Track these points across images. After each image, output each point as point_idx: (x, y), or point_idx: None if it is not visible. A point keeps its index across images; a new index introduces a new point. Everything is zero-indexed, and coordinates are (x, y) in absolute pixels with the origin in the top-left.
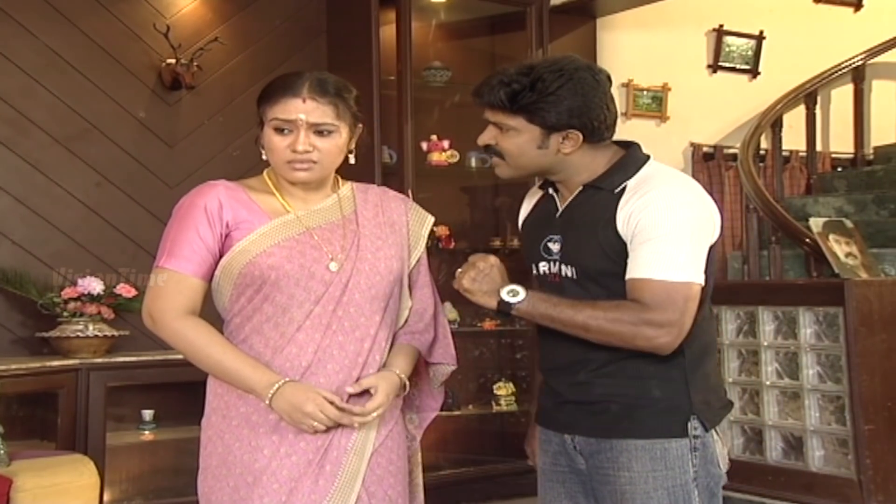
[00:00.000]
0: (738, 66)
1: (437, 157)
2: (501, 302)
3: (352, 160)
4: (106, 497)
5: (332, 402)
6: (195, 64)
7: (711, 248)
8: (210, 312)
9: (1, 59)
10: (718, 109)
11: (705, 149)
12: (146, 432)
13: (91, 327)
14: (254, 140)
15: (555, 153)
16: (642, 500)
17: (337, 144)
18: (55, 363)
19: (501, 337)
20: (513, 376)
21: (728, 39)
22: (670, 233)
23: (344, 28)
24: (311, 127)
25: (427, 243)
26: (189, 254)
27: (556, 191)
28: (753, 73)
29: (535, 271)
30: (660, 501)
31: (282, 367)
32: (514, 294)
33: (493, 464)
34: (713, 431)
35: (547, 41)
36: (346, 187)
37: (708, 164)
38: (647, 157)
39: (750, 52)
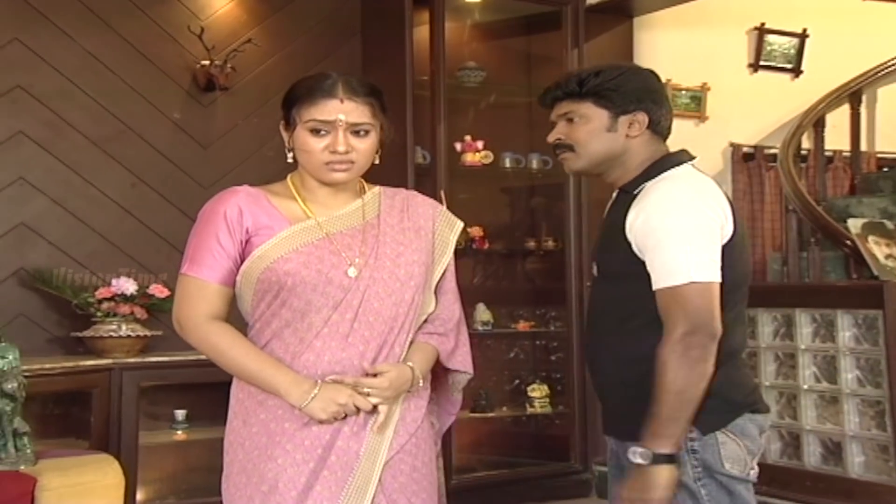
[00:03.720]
0: (780, 65)
1: (470, 158)
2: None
3: (376, 160)
4: (139, 496)
5: (341, 381)
6: (229, 65)
7: (728, 246)
8: (238, 318)
9: (39, 62)
10: (759, 109)
11: (745, 149)
12: (179, 432)
13: (124, 327)
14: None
15: (623, 137)
16: None
17: (372, 144)
18: (88, 363)
19: (536, 338)
20: (547, 378)
21: (770, 38)
22: (667, 238)
23: (378, 29)
24: (349, 127)
25: (460, 244)
26: (210, 261)
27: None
28: (796, 71)
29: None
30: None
31: (300, 374)
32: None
33: (528, 466)
34: (724, 433)
35: (583, 41)
36: (373, 191)
37: (748, 164)
38: (679, 162)
39: (792, 51)
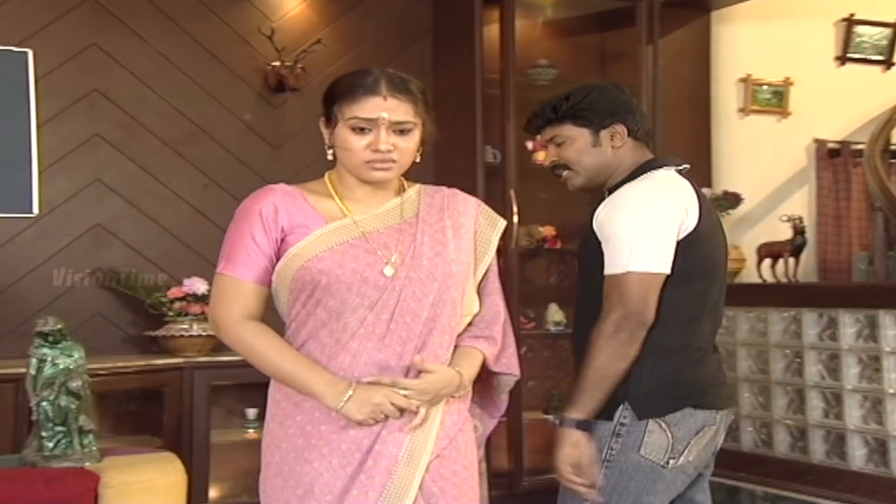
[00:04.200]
0: (869, 57)
1: (542, 156)
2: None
3: (418, 159)
4: (212, 494)
5: (378, 382)
6: (299, 66)
7: (686, 240)
8: (275, 318)
9: (114, 65)
10: (846, 103)
11: (831, 145)
12: (250, 430)
13: (195, 326)
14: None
15: (610, 149)
16: None
17: (415, 143)
18: (160, 362)
19: None
20: None
21: (859, 29)
22: (615, 230)
23: (449, 28)
24: (391, 126)
25: (533, 244)
26: (246, 260)
27: None
28: (887, 63)
29: None
30: None
31: (336, 375)
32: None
33: None
34: (656, 421)
35: (658, 36)
36: (412, 190)
37: (833, 161)
38: (658, 166)
39: (884, 42)
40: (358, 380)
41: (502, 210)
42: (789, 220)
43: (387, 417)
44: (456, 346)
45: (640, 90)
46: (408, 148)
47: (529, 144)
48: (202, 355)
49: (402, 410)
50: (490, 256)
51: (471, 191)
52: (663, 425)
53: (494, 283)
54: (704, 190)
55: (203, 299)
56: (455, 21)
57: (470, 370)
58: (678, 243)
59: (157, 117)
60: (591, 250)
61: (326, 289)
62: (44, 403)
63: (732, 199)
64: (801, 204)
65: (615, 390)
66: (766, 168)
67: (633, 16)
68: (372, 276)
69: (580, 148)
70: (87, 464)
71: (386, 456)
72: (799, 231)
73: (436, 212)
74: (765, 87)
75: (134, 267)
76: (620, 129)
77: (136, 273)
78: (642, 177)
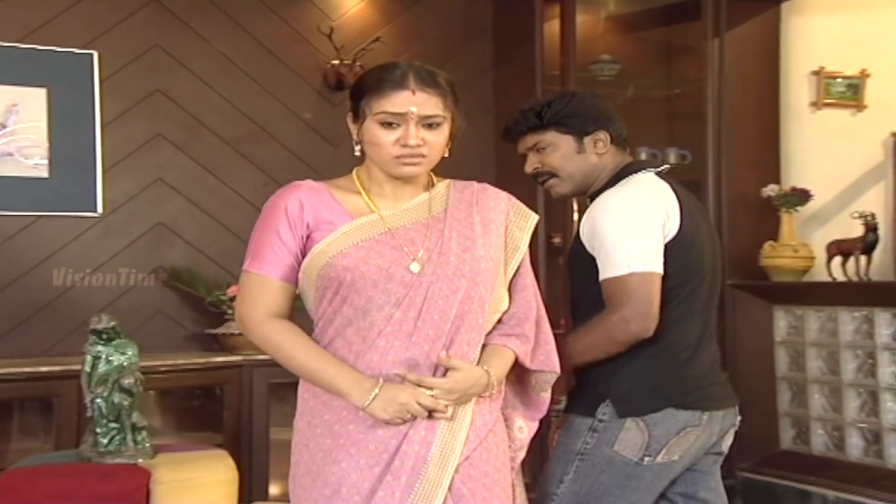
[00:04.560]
0: None
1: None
2: None
3: (446, 153)
4: (272, 491)
5: (404, 377)
6: (358, 64)
7: (671, 244)
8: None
9: (177, 66)
10: None
11: None
12: None
13: None
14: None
15: (594, 155)
16: (551, 461)
17: (444, 137)
18: (220, 359)
19: None
20: None
21: None
22: (606, 236)
23: (509, 25)
24: (420, 120)
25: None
26: (271, 257)
27: None
28: None
29: None
30: (553, 462)
31: (363, 374)
32: None
33: None
34: (635, 420)
35: (724, 30)
36: (441, 185)
37: None
38: (638, 170)
39: None
40: (386, 378)
41: (562, 208)
42: (861, 216)
43: (414, 417)
44: (485, 345)
45: (705, 85)
46: (437, 142)
47: None
48: (261, 353)
49: (429, 410)
50: (521, 252)
51: (530, 189)
52: (641, 424)
53: (526, 280)
54: (772, 186)
55: None
56: (515, 18)
57: (499, 369)
58: (666, 246)
59: (219, 117)
60: (582, 260)
61: (352, 286)
62: (98, 400)
63: (801, 196)
64: (877, 200)
65: (599, 388)
66: (839, 163)
67: (699, 9)
68: (398, 272)
69: (564, 155)
70: (140, 460)
71: (413, 456)
72: (871, 228)
73: (464, 207)
74: (839, 80)
75: (195, 265)
76: (603, 135)
77: (197, 271)
78: (622, 182)
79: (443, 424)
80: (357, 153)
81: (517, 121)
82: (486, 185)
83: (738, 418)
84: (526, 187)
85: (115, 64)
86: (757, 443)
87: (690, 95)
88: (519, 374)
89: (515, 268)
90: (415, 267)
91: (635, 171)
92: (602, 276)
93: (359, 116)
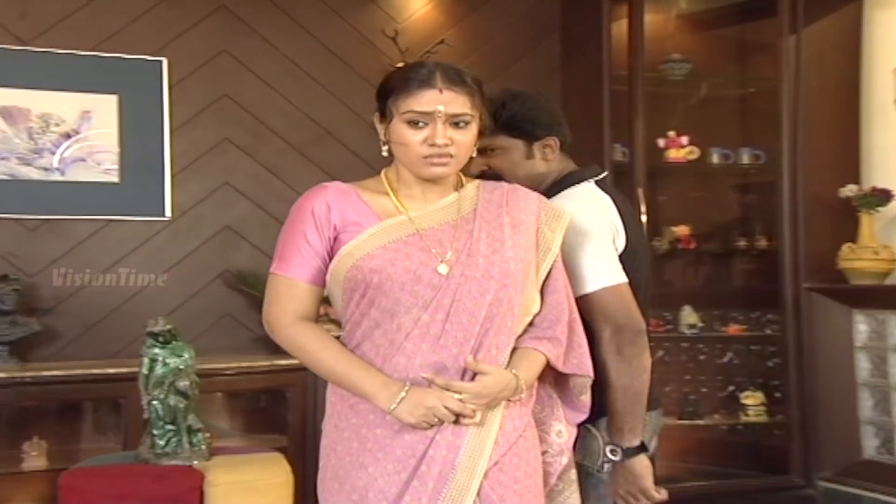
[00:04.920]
0: None
1: (674, 154)
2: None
3: (475, 153)
4: None
5: (432, 381)
6: None
7: (622, 257)
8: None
9: (244, 71)
10: None
11: None
12: None
13: None
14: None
15: (542, 161)
16: None
17: (473, 136)
18: (285, 362)
19: (750, 343)
20: (763, 385)
21: None
22: (565, 253)
23: (577, 25)
24: (448, 119)
25: (664, 245)
26: (298, 259)
27: None
28: None
29: None
30: None
31: (391, 377)
32: None
33: (742, 478)
34: (587, 427)
35: (801, 26)
36: (471, 185)
37: None
38: (580, 180)
39: None
40: (414, 381)
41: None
42: None
43: (441, 421)
44: (516, 348)
45: (780, 83)
46: (465, 142)
47: (661, 142)
48: None
49: (456, 415)
50: (553, 254)
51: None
52: (594, 430)
53: (558, 282)
54: (851, 186)
55: (326, 301)
56: (583, 18)
57: (528, 372)
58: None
59: (284, 120)
60: None
61: (379, 288)
62: (155, 402)
63: (882, 196)
64: None
65: None
66: None
67: (775, 5)
68: (426, 274)
69: (514, 160)
70: (196, 462)
71: (440, 461)
72: None
73: (494, 208)
74: None
75: (261, 268)
76: (553, 141)
77: (263, 274)
78: (564, 194)
79: (471, 429)
80: (384, 153)
81: None
82: (517, 186)
83: (664, 420)
84: None
85: (184, 70)
86: (837, 451)
87: (765, 94)
88: (557, 377)
89: (547, 270)
90: (443, 269)
91: (576, 182)
92: (574, 293)
93: (386, 116)
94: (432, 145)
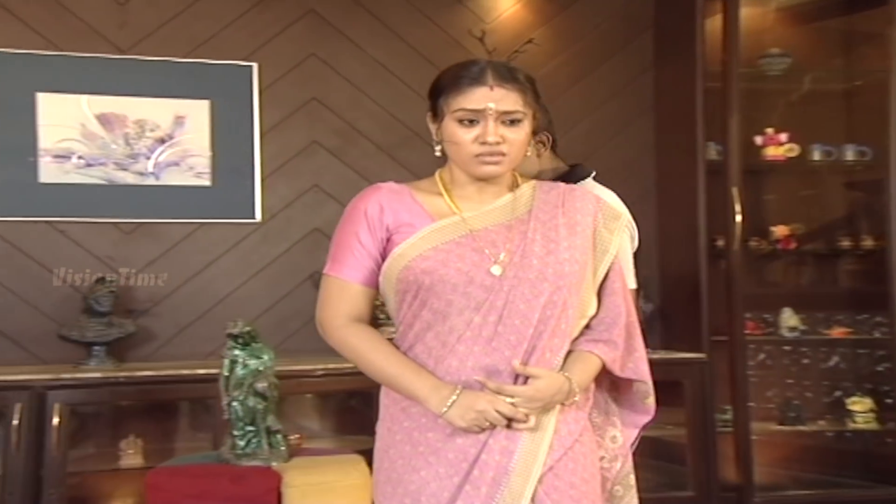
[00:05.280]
0: None
1: (773, 152)
2: None
3: (529, 152)
4: None
5: (484, 384)
6: None
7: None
8: None
9: (332, 74)
10: None
11: None
12: None
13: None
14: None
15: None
16: None
17: (526, 134)
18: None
19: (857, 346)
20: (873, 391)
21: None
22: None
23: (671, 21)
24: (499, 116)
25: (762, 245)
26: (351, 260)
27: None
28: None
29: None
30: None
31: (443, 380)
32: None
33: (849, 488)
34: None
35: None
36: (527, 186)
37: None
38: (584, 176)
39: None
40: (466, 384)
41: (723, 209)
42: None
43: (493, 426)
44: (571, 351)
45: (889, 75)
46: (517, 140)
47: (758, 139)
48: None
49: (508, 419)
50: (611, 255)
51: (691, 190)
52: None
53: (616, 284)
54: None
55: None
56: (677, 14)
57: (581, 375)
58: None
59: (373, 122)
60: None
61: (431, 289)
62: (234, 403)
63: None
64: None
65: None
66: None
67: None
68: (478, 275)
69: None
70: (274, 463)
71: (493, 466)
72: None
73: (550, 209)
74: None
75: None
76: (546, 137)
77: None
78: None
79: (525, 433)
80: (437, 153)
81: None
82: (574, 186)
83: None
84: (684, 188)
85: (274, 74)
86: None
87: (872, 88)
88: (616, 381)
89: (605, 271)
90: (496, 270)
91: (584, 177)
92: None
93: (437, 115)
94: (483, 143)
